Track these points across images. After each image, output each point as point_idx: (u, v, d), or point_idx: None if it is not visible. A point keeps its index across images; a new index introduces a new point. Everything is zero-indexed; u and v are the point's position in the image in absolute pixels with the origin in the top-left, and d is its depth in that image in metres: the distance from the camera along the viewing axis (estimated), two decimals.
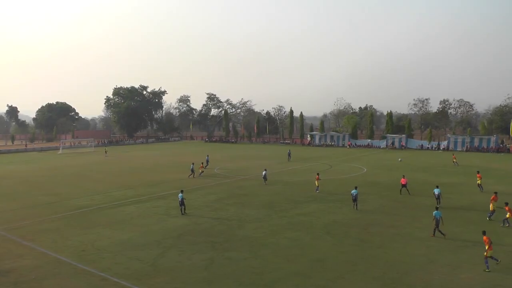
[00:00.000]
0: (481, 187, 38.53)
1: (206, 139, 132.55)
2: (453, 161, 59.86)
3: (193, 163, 49.80)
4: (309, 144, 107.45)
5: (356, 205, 31.52)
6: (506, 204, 26.35)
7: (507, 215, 25.95)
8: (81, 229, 26.36)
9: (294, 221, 27.82)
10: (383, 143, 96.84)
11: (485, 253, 19.12)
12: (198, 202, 34.66)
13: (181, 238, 24.31)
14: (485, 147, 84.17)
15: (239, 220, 28.30)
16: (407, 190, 36.73)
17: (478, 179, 39.33)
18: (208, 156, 61.77)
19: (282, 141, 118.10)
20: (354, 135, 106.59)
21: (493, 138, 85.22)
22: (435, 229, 24.14)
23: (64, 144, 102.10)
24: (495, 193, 29.24)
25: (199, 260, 20.38)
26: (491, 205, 28.17)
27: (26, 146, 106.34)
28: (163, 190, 40.09)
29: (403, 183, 37.20)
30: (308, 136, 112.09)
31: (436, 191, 32.68)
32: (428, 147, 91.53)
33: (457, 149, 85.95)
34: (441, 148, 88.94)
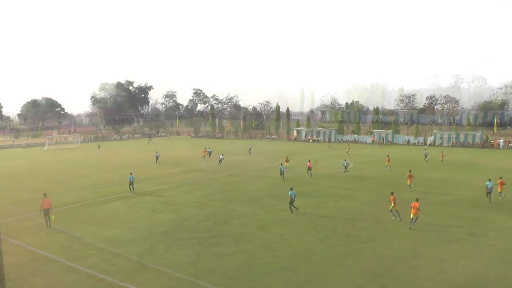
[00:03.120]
0: (389, 167, 48.57)
1: (193, 135, 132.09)
2: (347, 151, 69.15)
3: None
4: (295, 139, 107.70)
5: (283, 177, 41.77)
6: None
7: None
8: (67, 226, 26.13)
9: (281, 217, 27.90)
10: (369, 139, 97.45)
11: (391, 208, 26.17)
12: (185, 197, 34.58)
13: (167, 234, 24.25)
14: (471, 142, 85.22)
15: (225, 216, 28.30)
16: (311, 173, 44.39)
17: (387, 162, 49.15)
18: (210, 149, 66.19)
19: (268, 137, 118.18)
20: (340, 131, 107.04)
21: (478, 134, 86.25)
22: (290, 206, 28.60)
23: (51, 140, 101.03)
24: (410, 170, 37.78)
25: (186, 256, 20.35)
26: (408, 181, 36.44)
27: (14, 142, 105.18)
28: (149, 186, 39.85)
29: (309, 166, 44.70)
30: (295, 131, 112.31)
31: (344, 163, 45.89)
32: (414, 143, 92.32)
33: (444, 145, 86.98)
34: (428, 144, 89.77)
